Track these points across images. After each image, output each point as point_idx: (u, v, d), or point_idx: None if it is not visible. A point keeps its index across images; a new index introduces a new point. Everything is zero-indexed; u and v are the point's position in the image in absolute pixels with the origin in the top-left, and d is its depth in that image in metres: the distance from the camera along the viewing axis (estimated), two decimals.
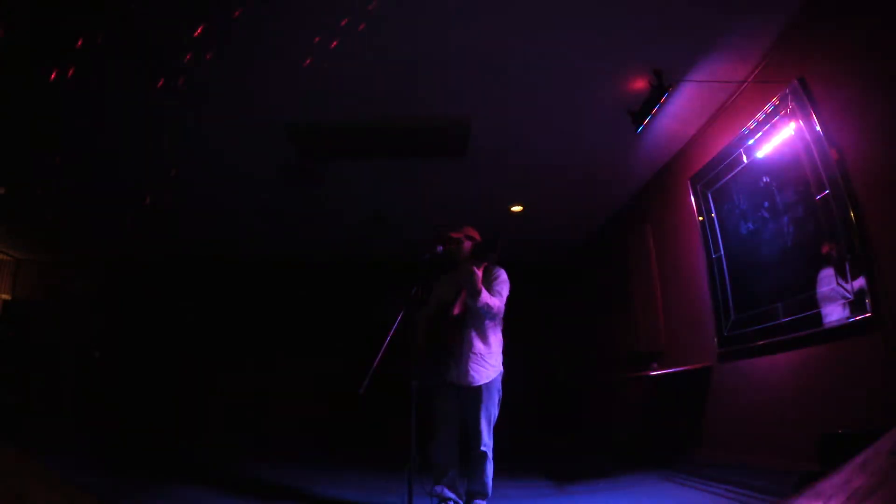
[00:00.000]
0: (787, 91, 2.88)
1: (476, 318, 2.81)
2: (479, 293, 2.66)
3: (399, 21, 2.93)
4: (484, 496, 2.75)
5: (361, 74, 3.38)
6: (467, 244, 2.92)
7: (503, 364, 2.91)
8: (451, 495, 2.76)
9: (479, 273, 2.67)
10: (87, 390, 6.58)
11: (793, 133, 2.88)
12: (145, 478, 3.38)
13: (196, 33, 2.95)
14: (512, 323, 3.02)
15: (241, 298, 7.38)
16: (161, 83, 3.37)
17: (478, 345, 2.81)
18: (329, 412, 6.60)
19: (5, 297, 7.16)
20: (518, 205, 5.58)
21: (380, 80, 3.46)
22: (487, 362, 2.81)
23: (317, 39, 3.04)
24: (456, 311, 2.75)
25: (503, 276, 2.88)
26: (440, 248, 2.88)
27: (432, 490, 2.75)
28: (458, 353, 2.76)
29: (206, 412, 6.66)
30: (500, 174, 4.86)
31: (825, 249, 2.67)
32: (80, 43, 2.95)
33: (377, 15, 2.86)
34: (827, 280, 2.67)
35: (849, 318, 2.51)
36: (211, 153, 4.41)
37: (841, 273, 2.56)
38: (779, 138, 3.02)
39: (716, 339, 3.65)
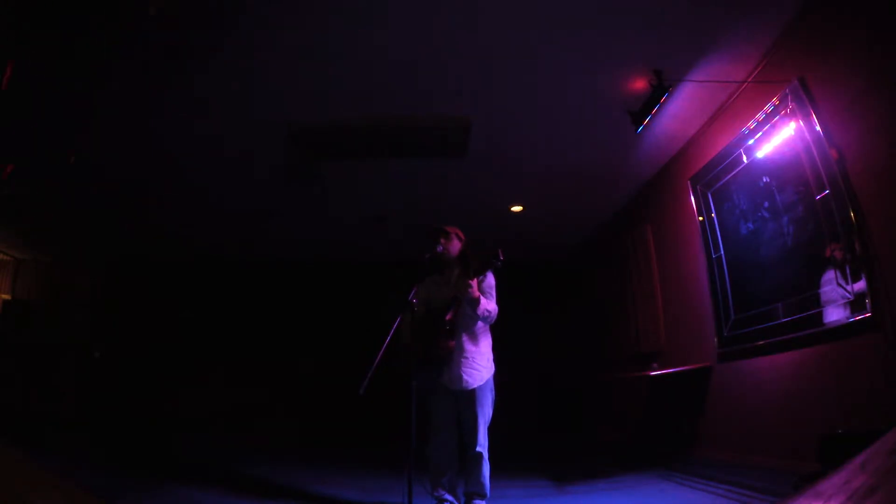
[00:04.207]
0: (787, 91, 2.88)
1: (467, 322, 2.83)
2: (478, 302, 2.71)
3: (399, 21, 2.93)
4: (482, 496, 2.75)
5: (361, 74, 3.38)
6: (456, 242, 2.96)
7: (495, 363, 2.92)
8: (450, 497, 2.76)
9: (475, 283, 2.70)
10: (87, 390, 6.58)
11: (793, 133, 2.88)
12: (145, 478, 3.38)
13: (196, 33, 2.96)
14: (512, 323, 3.03)
15: (240, 298, 7.38)
16: (160, 83, 3.38)
17: (469, 348, 2.83)
18: (329, 412, 6.60)
19: (5, 297, 7.15)
20: (518, 205, 5.58)
21: (380, 80, 3.46)
22: (479, 364, 2.82)
23: (317, 38, 3.04)
24: (448, 317, 2.77)
25: (491, 279, 2.92)
26: (440, 248, 2.89)
27: (431, 492, 2.75)
28: (450, 358, 2.78)
29: (205, 411, 6.65)
30: (500, 174, 4.86)
31: (827, 251, 2.67)
32: (80, 41, 2.95)
33: (377, 14, 2.87)
34: (827, 280, 2.67)
35: (849, 318, 2.51)
36: (211, 152, 4.40)
37: (841, 273, 2.56)
38: (779, 138, 3.01)
39: (716, 339, 3.65)
